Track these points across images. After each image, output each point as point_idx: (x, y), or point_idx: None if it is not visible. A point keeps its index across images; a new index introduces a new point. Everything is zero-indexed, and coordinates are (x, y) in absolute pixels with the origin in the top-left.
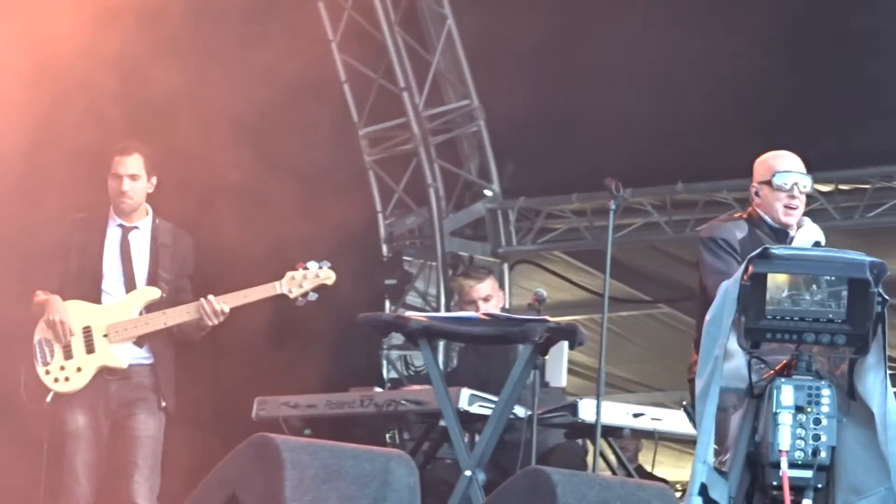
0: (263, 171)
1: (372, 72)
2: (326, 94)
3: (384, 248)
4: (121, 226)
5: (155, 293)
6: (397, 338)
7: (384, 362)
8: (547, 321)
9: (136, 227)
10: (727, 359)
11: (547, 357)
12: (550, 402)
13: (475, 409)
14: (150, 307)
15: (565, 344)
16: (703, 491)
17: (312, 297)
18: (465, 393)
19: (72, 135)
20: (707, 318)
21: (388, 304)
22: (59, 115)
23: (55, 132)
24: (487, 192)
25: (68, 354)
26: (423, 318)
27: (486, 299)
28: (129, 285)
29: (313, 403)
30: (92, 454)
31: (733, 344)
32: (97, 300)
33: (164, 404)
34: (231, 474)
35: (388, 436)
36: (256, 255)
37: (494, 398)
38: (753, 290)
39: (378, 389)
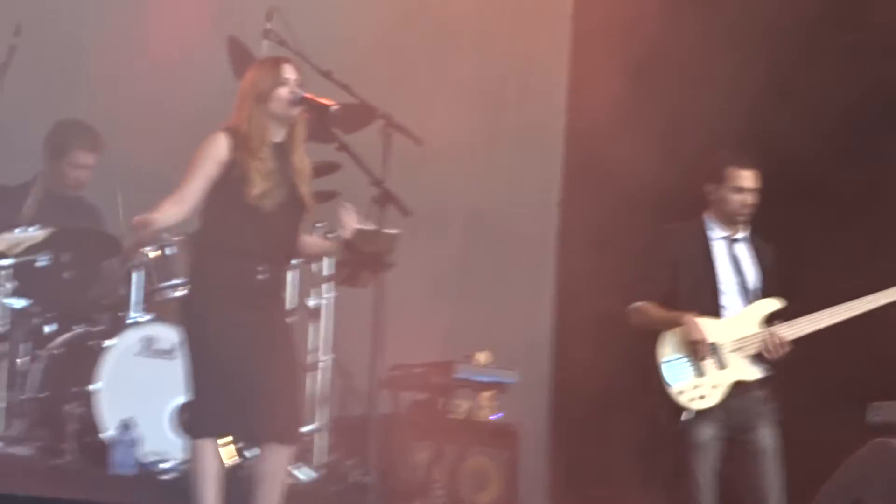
0: None
1: None
2: None
3: None
4: (726, 238)
5: (776, 304)
6: None
7: None
8: None
9: (738, 239)
10: None
11: None
12: None
13: None
14: (771, 319)
15: None
16: None
17: None
18: None
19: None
20: None
21: None
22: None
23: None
24: None
25: (700, 372)
26: None
27: None
28: (747, 298)
29: None
30: (715, 466)
31: None
32: (716, 315)
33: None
34: (853, 479)
35: None
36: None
37: None
38: None
39: None
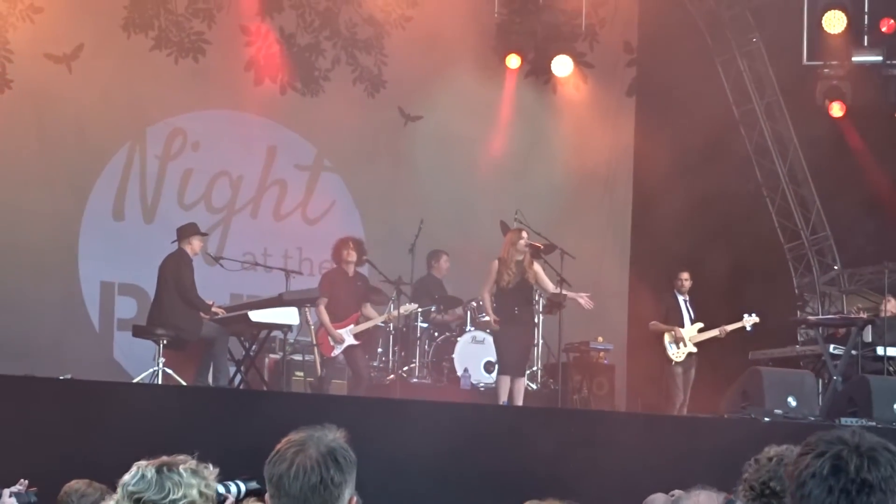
0: None
1: None
2: None
3: None
4: (683, 299)
5: (700, 325)
6: None
7: None
8: None
9: (686, 300)
10: None
11: None
12: None
13: None
14: (700, 330)
15: None
16: None
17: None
18: None
19: None
20: None
21: None
22: None
23: None
24: None
25: (679, 348)
26: None
27: None
28: (691, 321)
29: None
30: (684, 381)
31: None
32: (682, 326)
33: None
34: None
35: None
36: None
37: None
38: None
39: None
